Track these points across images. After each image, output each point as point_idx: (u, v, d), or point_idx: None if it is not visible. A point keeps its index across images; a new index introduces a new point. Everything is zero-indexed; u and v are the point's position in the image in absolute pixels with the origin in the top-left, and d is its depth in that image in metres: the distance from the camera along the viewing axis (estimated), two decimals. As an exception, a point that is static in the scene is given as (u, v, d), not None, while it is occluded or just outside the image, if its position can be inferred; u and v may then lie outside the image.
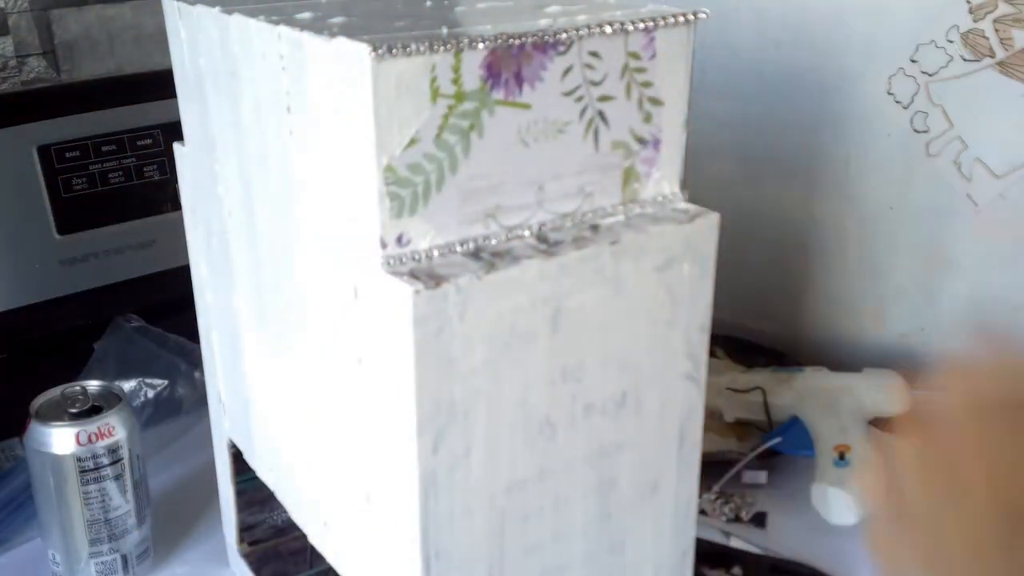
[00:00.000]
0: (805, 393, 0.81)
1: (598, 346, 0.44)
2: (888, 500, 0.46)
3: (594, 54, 0.42)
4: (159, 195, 0.93)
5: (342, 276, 0.43)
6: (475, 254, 0.42)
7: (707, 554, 0.67)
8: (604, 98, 0.44)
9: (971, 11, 0.79)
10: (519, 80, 0.41)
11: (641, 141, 0.45)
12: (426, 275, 0.39)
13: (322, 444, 0.50)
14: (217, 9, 0.49)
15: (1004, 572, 0.41)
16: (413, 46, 0.38)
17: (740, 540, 0.72)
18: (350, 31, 0.40)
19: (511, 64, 0.40)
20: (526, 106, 0.41)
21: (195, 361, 0.83)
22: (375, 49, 0.37)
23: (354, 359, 0.44)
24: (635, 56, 0.44)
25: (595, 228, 0.45)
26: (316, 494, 0.52)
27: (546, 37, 0.41)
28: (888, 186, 0.88)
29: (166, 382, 0.87)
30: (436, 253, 0.41)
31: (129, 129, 0.90)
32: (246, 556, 0.69)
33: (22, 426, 0.65)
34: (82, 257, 0.90)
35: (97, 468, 0.64)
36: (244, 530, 0.69)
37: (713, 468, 0.74)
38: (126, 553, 0.67)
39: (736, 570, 0.69)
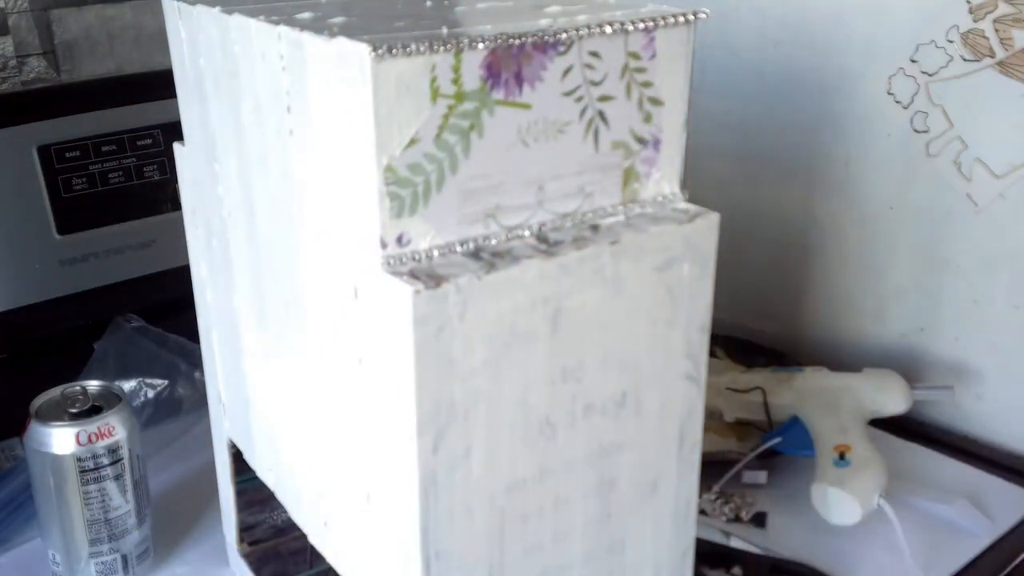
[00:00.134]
0: (805, 393, 0.81)
1: (598, 346, 0.44)
2: None
3: (594, 54, 0.42)
4: (159, 195, 0.93)
5: (342, 276, 0.43)
6: (475, 254, 0.42)
7: (707, 554, 0.67)
8: (604, 98, 0.44)
9: (971, 11, 0.79)
10: (519, 80, 0.41)
11: (641, 141, 0.45)
12: (426, 275, 0.39)
13: (322, 444, 0.50)
14: (217, 9, 0.49)
15: None
16: (413, 46, 0.38)
17: (740, 540, 0.72)
18: (350, 31, 0.40)
19: (511, 64, 0.40)
20: (526, 106, 0.41)
21: (195, 361, 0.83)
22: (375, 49, 0.37)
23: (354, 359, 0.44)
24: (635, 56, 0.44)
25: (595, 228, 0.45)
26: (316, 494, 0.52)
27: (546, 37, 0.41)
28: (888, 186, 0.88)
29: (166, 382, 0.87)
30: (436, 253, 0.41)
31: (129, 129, 0.90)
32: (246, 556, 0.69)
33: (22, 426, 0.65)
34: (82, 257, 0.90)
35: (97, 468, 0.64)
36: (244, 530, 0.69)
37: (713, 468, 0.74)
38: (126, 553, 0.67)
39: (736, 570, 0.69)
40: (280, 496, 0.58)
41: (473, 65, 0.40)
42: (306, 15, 0.45)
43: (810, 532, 0.73)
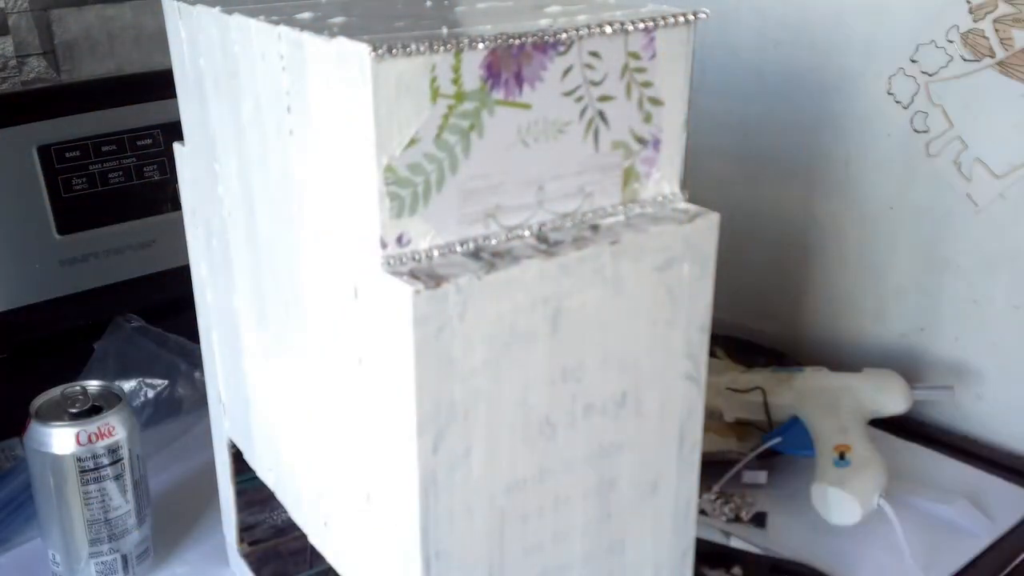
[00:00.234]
0: (805, 393, 0.81)
1: (598, 346, 0.44)
2: None
3: (594, 54, 0.42)
4: (159, 195, 0.93)
5: (342, 276, 0.43)
6: (475, 254, 0.42)
7: (707, 554, 0.67)
8: (604, 98, 0.44)
9: (971, 11, 0.79)
10: (519, 80, 0.41)
11: (641, 141, 0.45)
12: (426, 275, 0.40)
13: (322, 444, 0.50)
14: (217, 9, 0.49)
15: None
16: (413, 46, 0.38)
17: (740, 540, 0.72)
18: (350, 31, 0.40)
19: (511, 64, 0.40)
20: (526, 106, 0.41)
21: (195, 361, 0.83)
22: (375, 49, 0.37)
23: (354, 359, 0.44)
24: (635, 56, 0.44)
25: (595, 228, 0.45)
26: (316, 494, 0.52)
27: (546, 37, 0.41)
28: (888, 186, 0.88)
29: (166, 382, 0.87)
30: (436, 253, 0.41)
31: (129, 129, 0.90)
32: (246, 556, 0.69)
33: (22, 426, 0.65)
34: (82, 257, 0.90)
35: (97, 468, 0.64)
36: (244, 530, 0.69)
37: (713, 468, 0.74)
38: (126, 553, 0.67)
39: (736, 570, 0.69)
40: (280, 496, 0.58)
41: (473, 65, 0.40)
42: (306, 15, 0.45)
43: (810, 532, 0.73)
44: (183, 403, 0.88)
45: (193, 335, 0.66)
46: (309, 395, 0.50)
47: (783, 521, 0.75)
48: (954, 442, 0.86)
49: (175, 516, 0.75)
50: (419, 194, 0.40)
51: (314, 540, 0.54)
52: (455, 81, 0.39)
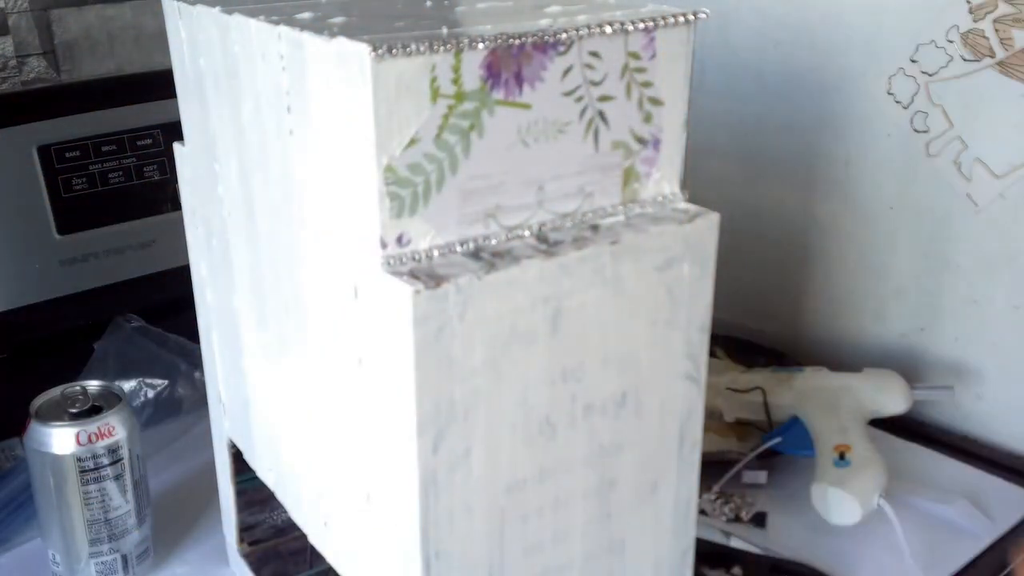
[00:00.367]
0: (805, 393, 0.81)
1: (598, 346, 0.44)
2: None
3: (594, 54, 0.42)
4: (159, 195, 0.93)
5: (342, 276, 0.43)
6: (475, 254, 0.42)
7: (707, 554, 0.67)
8: (604, 98, 0.44)
9: (971, 11, 0.79)
10: (519, 80, 0.41)
11: (641, 141, 0.45)
12: (426, 275, 0.39)
13: (322, 444, 0.50)
14: (217, 9, 0.49)
15: None
16: (413, 46, 0.38)
17: (740, 540, 0.72)
18: (350, 31, 0.40)
19: (511, 64, 0.40)
20: (526, 106, 0.41)
21: (195, 361, 0.83)
22: (375, 49, 0.37)
23: (354, 359, 0.44)
24: (635, 56, 0.44)
25: (595, 228, 0.45)
26: (316, 494, 0.52)
27: (546, 37, 0.41)
28: (888, 186, 0.88)
29: (166, 382, 0.87)
30: (436, 253, 0.41)
31: (129, 129, 0.90)
32: (246, 556, 0.69)
33: (22, 426, 0.65)
34: (82, 257, 0.90)
35: (97, 468, 0.64)
36: (244, 530, 0.69)
37: (713, 468, 0.74)
38: (126, 553, 0.67)
39: (736, 570, 0.69)
40: (280, 496, 0.58)
41: (473, 65, 0.40)
42: (306, 15, 0.45)
43: (810, 532, 0.73)
44: (183, 403, 0.88)
45: (193, 335, 0.66)
46: (309, 395, 0.50)
47: (783, 521, 0.75)
48: (954, 442, 0.86)
49: (175, 516, 0.75)
50: (419, 194, 0.40)
51: (314, 540, 0.54)
52: (455, 81, 0.39)
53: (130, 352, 0.88)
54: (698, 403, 0.49)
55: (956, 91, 0.81)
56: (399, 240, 0.40)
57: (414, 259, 0.41)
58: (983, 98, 0.80)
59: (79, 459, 0.63)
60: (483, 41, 0.39)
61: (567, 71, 0.42)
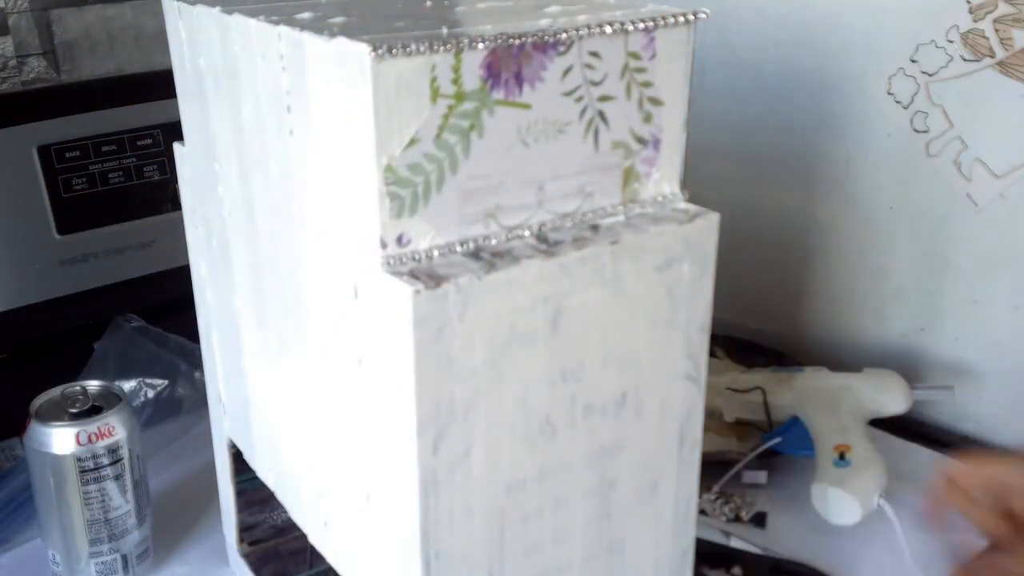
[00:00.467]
0: (805, 393, 0.81)
1: (598, 346, 0.44)
2: None
3: (594, 54, 0.42)
4: (159, 195, 0.93)
5: (342, 276, 0.43)
6: (475, 254, 0.42)
7: (707, 554, 0.67)
8: (604, 98, 0.43)
9: (971, 11, 0.79)
10: (519, 80, 0.41)
11: (641, 141, 0.45)
12: (426, 275, 0.39)
13: (322, 444, 0.50)
14: (217, 9, 0.49)
15: None
16: (413, 46, 0.38)
17: (740, 540, 0.72)
18: (350, 31, 0.40)
19: (511, 64, 0.40)
20: (526, 106, 0.41)
21: (195, 361, 0.83)
22: (375, 49, 0.37)
23: (354, 359, 0.44)
24: (635, 56, 0.44)
25: (595, 228, 0.45)
26: (316, 494, 0.52)
27: (546, 37, 0.41)
28: (888, 186, 0.88)
29: (166, 382, 0.87)
30: (436, 253, 0.41)
31: (129, 129, 0.90)
32: (246, 556, 0.69)
33: (22, 426, 0.65)
34: (82, 257, 0.90)
35: (97, 468, 0.64)
36: (244, 530, 0.69)
37: (713, 468, 0.74)
38: (126, 553, 0.67)
39: (736, 570, 0.69)
40: (280, 496, 0.58)
41: (473, 65, 0.40)
42: (306, 15, 0.45)
43: (810, 532, 0.73)
44: (183, 403, 0.88)
45: (193, 335, 0.66)
46: (309, 395, 0.50)
47: (783, 521, 0.75)
48: (954, 442, 0.86)
49: (175, 516, 0.75)
50: (419, 194, 0.40)
51: (314, 540, 0.54)
52: (455, 81, 0.39)
53: (130, 352, 0.88)
54: (698, 403, 0.49)
55: (956, 91, 0.81)
56: (399, 240, 0.40)
57: (414, 259, 0.41)
58: (983, 98, 0.80)
59: (79, 459, 0.63)
60: (483, 41, 0.39)
61: (567, 71, 0.42)
